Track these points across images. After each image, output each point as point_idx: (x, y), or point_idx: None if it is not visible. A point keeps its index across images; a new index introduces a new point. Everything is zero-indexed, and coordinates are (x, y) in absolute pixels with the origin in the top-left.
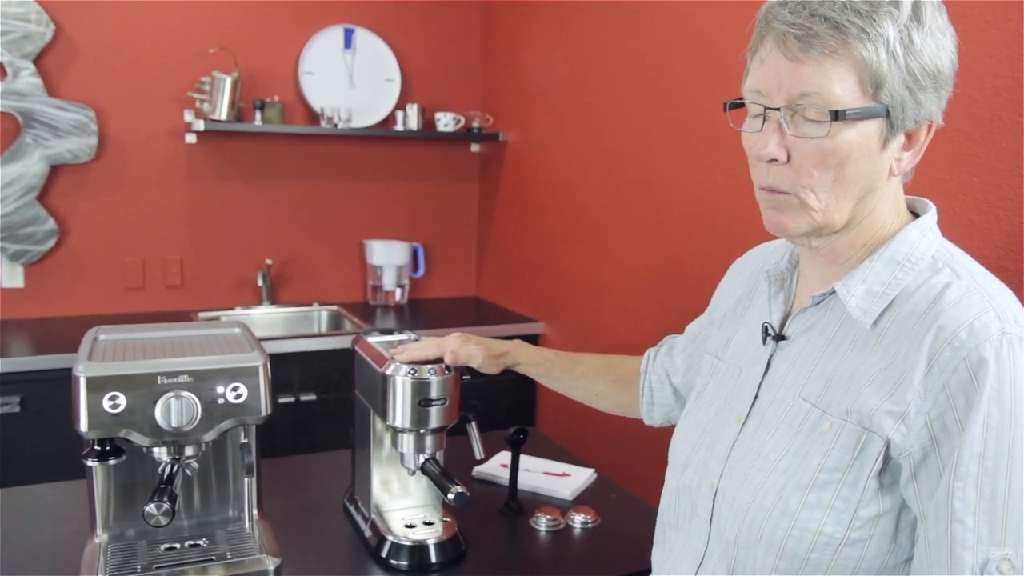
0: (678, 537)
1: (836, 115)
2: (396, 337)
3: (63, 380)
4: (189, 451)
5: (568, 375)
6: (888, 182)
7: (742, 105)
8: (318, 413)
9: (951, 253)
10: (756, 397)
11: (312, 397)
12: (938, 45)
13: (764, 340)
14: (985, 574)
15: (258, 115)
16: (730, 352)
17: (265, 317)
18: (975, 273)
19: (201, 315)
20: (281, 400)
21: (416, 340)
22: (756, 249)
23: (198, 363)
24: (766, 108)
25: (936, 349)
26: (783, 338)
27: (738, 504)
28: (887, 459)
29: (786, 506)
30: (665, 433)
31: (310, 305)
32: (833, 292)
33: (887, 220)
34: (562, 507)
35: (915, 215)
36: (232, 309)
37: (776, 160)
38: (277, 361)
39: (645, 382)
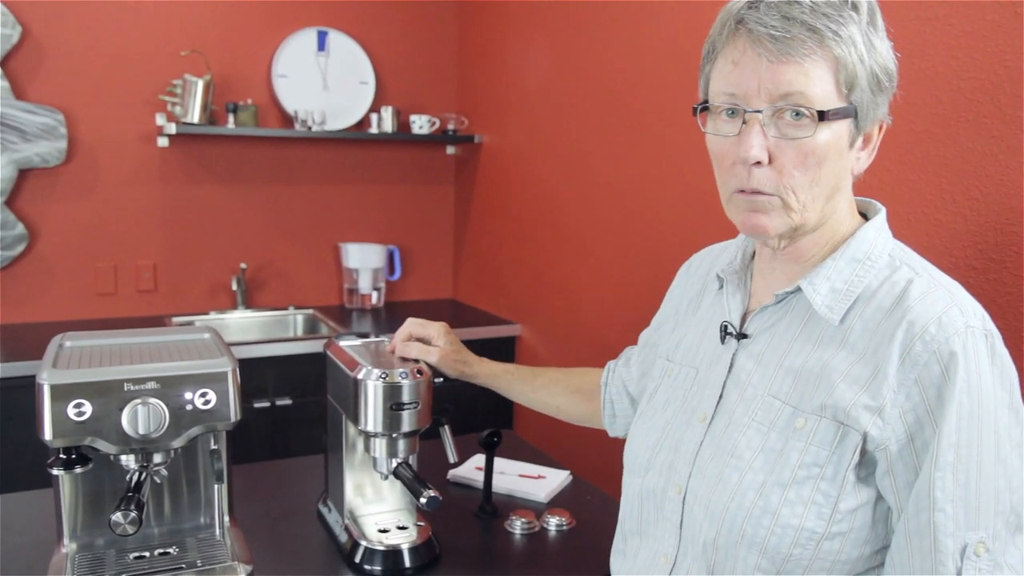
0: (643, 543)
1: (822, 115)
2: (370, 340)
3: (32, 387)
4: (157, 458)
5: (528, 386)
6: (848, 182)
7: (706, 108)
8: (294, 417)
9: (905, 251)
10: (720, 396)
11: (288, 401)
12: (887, 48)
13: (723, 339)
14: (964, 558)
15: (231, 118)
16: (680, 353)
17: (240, 321)
18: (930, 270)
19: (175, 320)
20: (256, 404)
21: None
22: (702, 252)
23: (165, 369)
24: (745, 111)
25: (907, 343)
26: (744, 336)
27: (715, 505)
28: (863, 452)
29: (767, 504)
30: None
31: (285, 309)
32: (797, 290)
33: (845, 219)
34: (537, 510)
35: (863, 215)
36: (207, 314)
37: (760, 163)
38: (252, 365)
39: (606, 394)
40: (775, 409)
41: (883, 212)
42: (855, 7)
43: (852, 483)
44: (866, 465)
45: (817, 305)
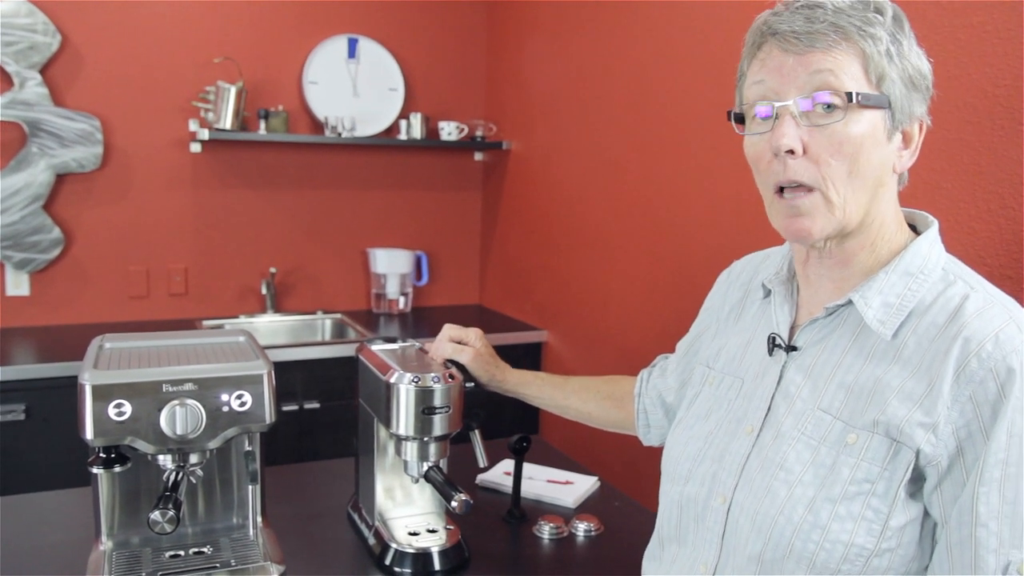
0: (681, 551)
1: (850, 97)
2: (399, 345)
3: (67, 388)
4: (194, 459)
5: (560, 392)
6: (891, 180)
7: (741, 119)
8: (322, 421)
9: (958, 265)
10: (769, 409)
11: (316, 405)
12: (918, 52)
13: (771, 351)
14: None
15: (262, 124)
16: (722, 361)
17: (269, 325)
18: (985, 284)
19: (205, 323)
20: (285, 408)
21: (421, 349)
22: (743, 259)
23: (203, 371)
24: (776, 105)
25: (962, 359)
26: (793, 349)
27: (762, 518)
28: (915, 468)
29: (816, 519)
30: None
31: (314, 313)
32: (848, 303)
33: (892, 226)
34: (565, 515)
35: (912, 227)
36: (236, 317)
37: (793, 152)
38: (281, 369)
39: (639, 405)
40: (826, 424)
41: (935, 225)
42: (879, 10)
43: (903, 499)
44: (916, 481)
45: (869, 319)
